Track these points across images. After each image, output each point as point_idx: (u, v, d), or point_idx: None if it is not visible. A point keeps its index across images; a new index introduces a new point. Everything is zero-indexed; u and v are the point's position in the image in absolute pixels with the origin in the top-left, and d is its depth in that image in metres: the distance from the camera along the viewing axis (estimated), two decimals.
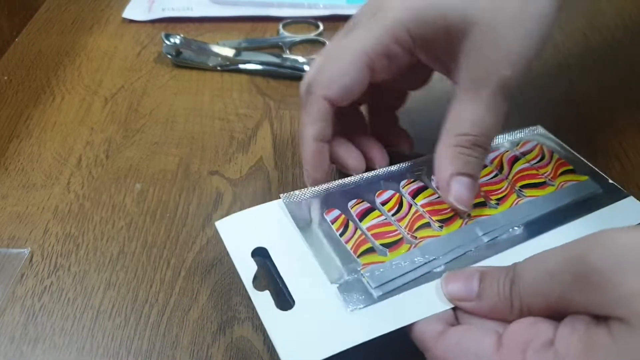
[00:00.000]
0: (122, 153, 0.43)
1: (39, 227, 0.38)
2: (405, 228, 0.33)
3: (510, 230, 0.32)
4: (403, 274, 0.30)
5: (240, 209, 0.38)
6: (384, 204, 0.34)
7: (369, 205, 0.34)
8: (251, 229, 0.33)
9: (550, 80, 0.47)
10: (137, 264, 0.36)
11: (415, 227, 0.33)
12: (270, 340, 0.31)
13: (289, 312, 0.29)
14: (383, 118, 0.39)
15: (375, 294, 0.29)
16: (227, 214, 0.38)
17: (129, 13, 0.57)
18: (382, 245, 0.32)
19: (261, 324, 0.32)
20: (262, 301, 0.30)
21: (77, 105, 0.47)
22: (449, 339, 0.26)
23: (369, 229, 0.33)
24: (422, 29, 0.30)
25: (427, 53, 0.32)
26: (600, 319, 0.22)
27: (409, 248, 0.31)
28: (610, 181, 0.35)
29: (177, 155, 0.43)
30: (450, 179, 0.31)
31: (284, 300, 0.30)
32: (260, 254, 0.32)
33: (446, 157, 0.31)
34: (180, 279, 0.35)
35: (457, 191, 0.31)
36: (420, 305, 0.29)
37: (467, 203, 0.32)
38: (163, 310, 0.33)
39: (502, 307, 0.26)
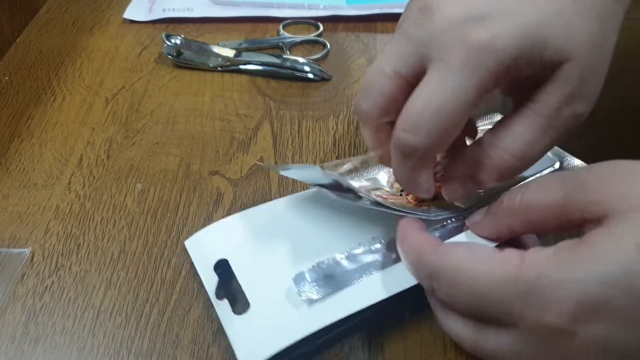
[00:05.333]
0: (123, 153, 0.43)
1: (39, 226, 0.38)
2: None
3: (463, 217, 0.33)
4: (352, 267, 0.32)
5: (241, 209, 0.38)
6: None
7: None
8: (214, 243, 0.34)
9: None
10: (138, 263, 0.36)
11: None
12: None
13: (244, 315, 0.31)
14: None
15: (323, 289, 0.31)
16: (227, 214, 0.38)
17: (130, 14, 0.57)
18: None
19: None
20: (223, 309, 0.32)
21: (78, 106, 0.47)
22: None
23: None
24: (519, 65, 0.28)
25: (512, 79, 0.29)
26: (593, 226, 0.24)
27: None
28: (569, 156, 0.35)
29: (177, 155, 0.43)
30: (458, 177, 0.31)
31: (242, 305, 0.31)
32: (222, 266, 0.33)
33: (469, 156, 0.30)
34: (181, 278, 0.35)
35: (454, 188, 0.32)
36: (373, 292, 0.30)
37: (455, 199, 0.32)
38: (164, 310, 0.33)
39: (506, 214, 0.28)
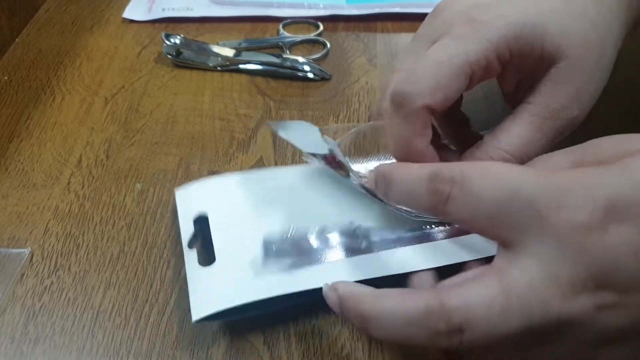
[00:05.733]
0: (123, 153, 0.43)
1: (39, 227, 0.38)
2: None
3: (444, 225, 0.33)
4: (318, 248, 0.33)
5: None
6: None
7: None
8: (201, 197, 0.36)
9: None
10: (138, 263, 0.36)
11: None
12: (269, 340, 0.32)
13: (208, 268, 0.32)
14: (456, 122, 0.37)
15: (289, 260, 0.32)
16: None
17: (129, 13, 0.57)
18: None
19: (261, 324, 0.32)
20: (190, 258, 0.33)
21: (78, 106, 0.47)
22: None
23: None
24: (521, 47, 0.29)
25: (515, 69, 0.31)
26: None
27: None
28: None
29: (177, 155, 0.43)
30: None
31: (209, 259, 0.33)
32: (204, 220, 0.35)
33: (473, 159, 0.31)
34: (181, 278, 0.35)
35: None
36: (333, 274, 0.31)
37: None
38: (163, 310, 0.33)
39: None
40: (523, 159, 0.30)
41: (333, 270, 0.31)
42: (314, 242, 0.33)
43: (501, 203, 0.23)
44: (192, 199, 0.36)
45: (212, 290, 0.31)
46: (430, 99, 0.29)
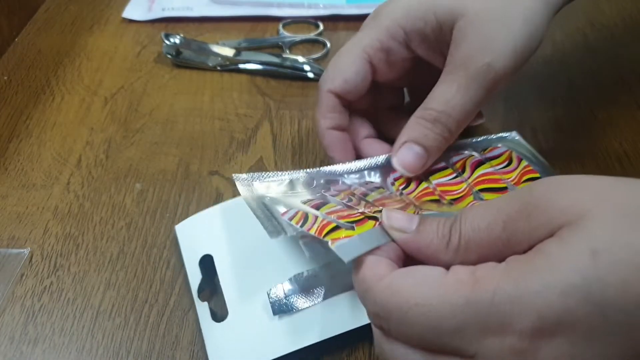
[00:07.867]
0: (122, 153, 0.43)
1: (38, 227, 0.38)
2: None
3: None
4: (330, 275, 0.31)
5: None
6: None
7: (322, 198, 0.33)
8: (204, 233, 0.35)
9: (549, 80, 0.47)
10: (137, 264, 0.36)
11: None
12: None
13: (222, 323, 0.31)
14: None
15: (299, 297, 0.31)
16: None
17: (129, 13, 0.57)
18: (348, 222, 0.29)
19: None
20: (203, 312, 0.32)
21: (77, 105, 0.47)
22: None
23: (329, 213, 0.31)
24: (414, 24, 0.34)
25: (423, 46, 0.35)
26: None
27: (374, 224, 0.28)
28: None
29: (177, 155, 0.43)
30: (402, 145, 0.34)
31: (222, 309, 0.32)
32: (208, 260, 0.33)
33: (407, 126, 0.34)
34: (180, 278, 0.35)
35: (404, 155, 0.33)
36: (349, 314, 0.30)
37: (411, 169, 0.34)
38: (163, 311, 0.33)
39: (438, 243, 0.25)
40: (451, 114, 0.32)
41: (345, 317, 0.30)
42: (322, 276, 0.31)
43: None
44: (194, 238, 0.35)
45: (229, 349, 0.30)
46: (332, 84, 0.36)
